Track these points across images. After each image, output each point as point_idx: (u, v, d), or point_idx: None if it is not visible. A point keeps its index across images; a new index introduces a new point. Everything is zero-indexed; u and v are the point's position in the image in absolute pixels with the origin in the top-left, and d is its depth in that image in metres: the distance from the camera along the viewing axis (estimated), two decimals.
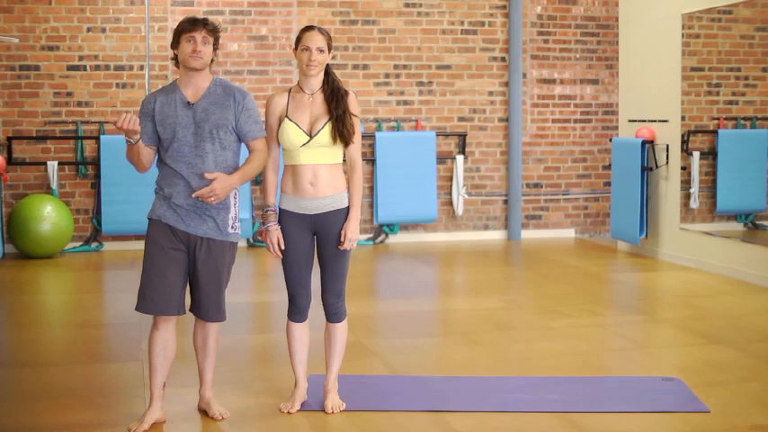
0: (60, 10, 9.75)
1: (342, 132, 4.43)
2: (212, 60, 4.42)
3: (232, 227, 4.43)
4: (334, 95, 4.47)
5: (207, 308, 4.46)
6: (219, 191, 4.29)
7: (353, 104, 4.51)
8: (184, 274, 4.39)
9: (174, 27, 4.42)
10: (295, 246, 4.50)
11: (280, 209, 4.53)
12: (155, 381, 4.39)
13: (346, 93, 4.50)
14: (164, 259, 4.32)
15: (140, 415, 4.41)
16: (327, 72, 4.53)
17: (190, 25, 4.34)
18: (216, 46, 4.40)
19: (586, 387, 5.02)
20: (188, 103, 4.36)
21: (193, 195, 4.29)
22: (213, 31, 4.37)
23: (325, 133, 4.42)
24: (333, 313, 4.61)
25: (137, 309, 4.37)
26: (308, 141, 4.42)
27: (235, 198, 4.44)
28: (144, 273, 4.36)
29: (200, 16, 4.48)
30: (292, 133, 4.42)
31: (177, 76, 4.48)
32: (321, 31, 4.46)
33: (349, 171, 4.56)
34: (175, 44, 4.38)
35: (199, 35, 4.31)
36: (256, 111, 4.46)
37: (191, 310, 4.50)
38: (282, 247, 4.49)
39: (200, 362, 4.58)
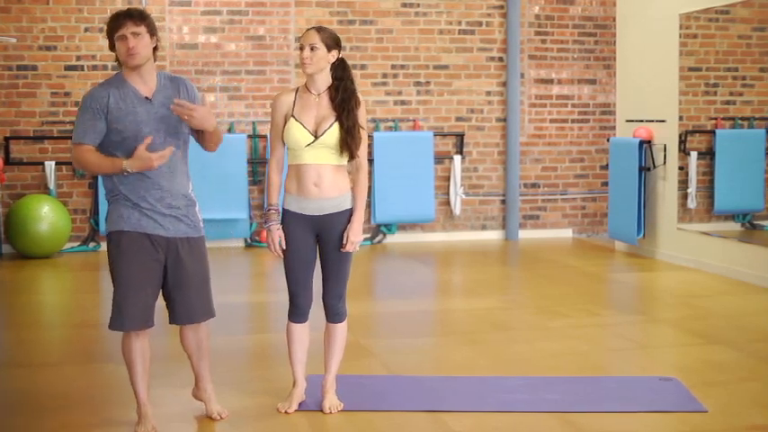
0: (58, 10, 9.74)
1: (349, 146, 4.40)
2: (156, 48, 4.18)
3: (200, 221, 4.35)
4: (345, 105, 4.43)
5: (199, 308, 4.34)
6: (199, 115, 4.10)
7: (363, 117, 4.48)
8: (159, 286, 4.26)
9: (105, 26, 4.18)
10: (298, 246, 4.48)
11: (283, 209, 4.50)
12: (141, 389, 4.28)
13: (357, 103, 4.46)
14: (143, 272, 4.15)
15: (134, 423, 4.34)
16: (340, 76, 4.47)
17: (115, 23, 4.07)
18: (152, 32, 4.12)
19: (585, 387, 5.01)
20: (145, 98, 4.15)
21: (176, 101, 4.05)
22: (140, 18, 4.08)
23: (331, 134, 4.40)
24: (333, 314, 4.60)
25: (112, 327, 4.18)
26: (312, 142, 4.40)
27: (193, 191, 4.33)
28: (119, 288, 4.15)
29: (127, 7, 4.19)
30: (297, 133, 4.40)
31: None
32: (319, 29, 4.43)
33: (354, 173, 4.54)
34: (112, 45, 4.12)
35: (126, 31, 4.05)
36: (202, 100, 4.33)
37: (175, 321, 4.35)
38: (284, 247, 4.48)
39: (196, 364, 4.51)
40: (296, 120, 4.42)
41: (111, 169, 4.12)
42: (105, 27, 4.15)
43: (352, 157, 4.45)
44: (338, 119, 4.41)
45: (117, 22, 4.08)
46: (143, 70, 4.16)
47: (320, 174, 4.43)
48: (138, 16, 4.09)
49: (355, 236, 4.48)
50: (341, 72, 4.48)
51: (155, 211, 4.17)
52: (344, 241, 4.47)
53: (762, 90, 9.24)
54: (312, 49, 4.37)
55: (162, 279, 4.25)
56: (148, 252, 4.17)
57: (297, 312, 4.57)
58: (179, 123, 4.20)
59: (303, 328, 4.61)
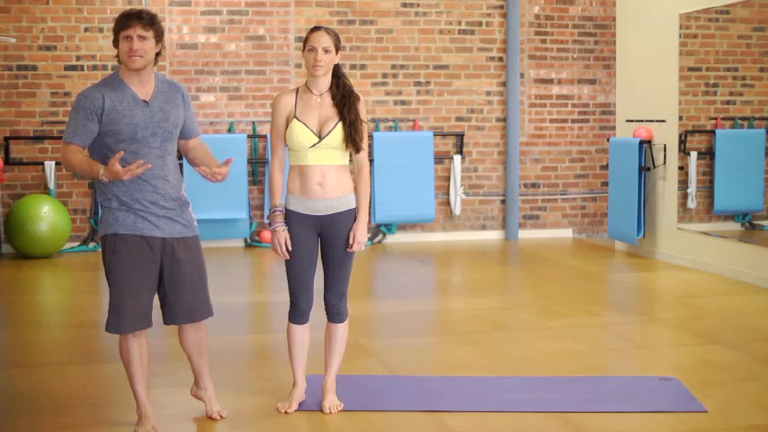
0: (58, 10, 9.74)
1: (354, 139, 4.42)
2: (159, 53, 4.16)
3: (194, 219, 4.35)
4: (346, 100, 4.44)
5: (198, 307, 4.33)
6: (224, 179, 4.28)
7: (363, 110, 4.50)
8: (155, 287, 4.26)
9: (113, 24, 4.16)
10: (300, 247, 4.47)
11: (286, 209, 4.49)
12: (141, 389, 4.26)
13: (357, 98, 4.49)
14: (140, 276, 4.15)
15: (134, 423, 4.35)
16: (338, 74, 4.49)
17: (124, 22, 4.04)
18: (159, 38, 4.11)
19: (584, 387, 5.02)
20: (144, 101, 4.13)
21: (208, 170, 4.20)
22: (150, 23, 4.06)
23: (335, 135, 4.41)
24: (335, 314, 4.60)
25: (110, 330, 4.16)
26: (317, 143, 4.40)
27: (185, 192, 4.35)
28: (116, 291, 4.14)
29: (138, 8, 4.19)
30: (301, 134, 4.40)
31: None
32: (328, 31, 4.43)
33: (356, 174, 4.54)
34: (116, 42, 4.08)
35: (134, 32, 4.02)
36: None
37: (172, 321, 4.34)
38: (290, 248, 4.46)
39: (196, 363, 4.51)
40: (299, 120, 4.42)
41: (88, 173, 4.11)
42: (114, 23, 4.13)
43: (357, 150, 4.45)
44: (341, 115, 4.42)
45: (126, 22, 4.05)
46: (142, 73, 4.13)
47: (324, 174, 4.43)
48: (149, 21, 4.07)
49: (361, 236, 4.48)
50: (336, 69, 4.51)
51: (149, 212, 4.16)
52: (351, 241, 4.47)
53: (762, 90, 9.24)
54: (327, 52, 4.38)
55: (158, 280, 4.25)
56: (145, 254, 4.16)
57: (297, 313, 4.57)
58: (174, 128, 4.22)
59: (303, 329, 4.60)
